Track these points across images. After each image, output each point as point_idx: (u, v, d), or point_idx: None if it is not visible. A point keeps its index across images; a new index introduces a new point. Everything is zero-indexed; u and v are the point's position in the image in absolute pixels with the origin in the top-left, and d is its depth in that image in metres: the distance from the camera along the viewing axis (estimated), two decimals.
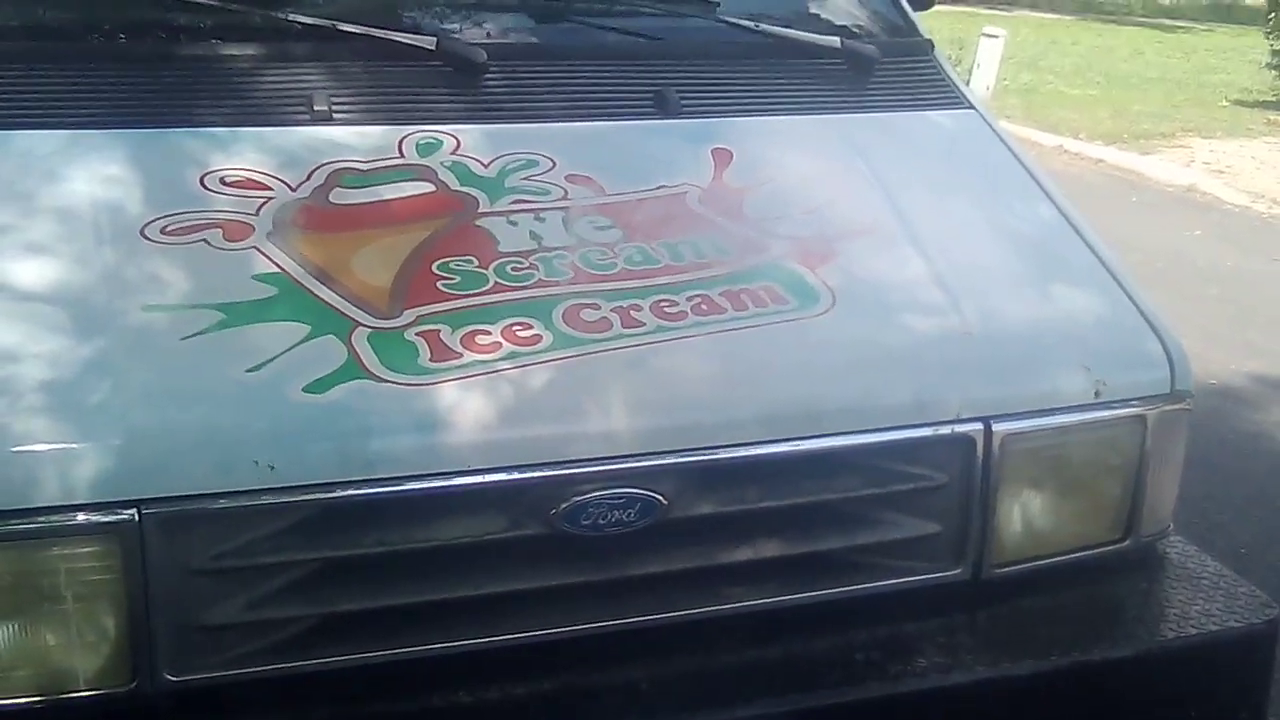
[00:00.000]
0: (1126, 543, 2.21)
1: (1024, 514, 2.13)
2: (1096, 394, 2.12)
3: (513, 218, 2.08)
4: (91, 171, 2.00)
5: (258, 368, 1.79)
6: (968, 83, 2.75)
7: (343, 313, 1.88)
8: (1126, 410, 2.14)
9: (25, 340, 1.77)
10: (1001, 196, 2.44)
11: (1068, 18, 26.13)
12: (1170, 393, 2.18)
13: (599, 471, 1.85)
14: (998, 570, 2.11)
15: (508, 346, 1.88)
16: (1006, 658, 2.01)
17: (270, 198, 2.02)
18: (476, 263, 1.99)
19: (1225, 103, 14.31)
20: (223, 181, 2.03)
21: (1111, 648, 2.08)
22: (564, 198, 2.14)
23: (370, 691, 1.81)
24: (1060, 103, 13.43)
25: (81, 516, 1.67)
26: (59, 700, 1.72)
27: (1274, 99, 14.10)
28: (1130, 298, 2.27)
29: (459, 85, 2.26)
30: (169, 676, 1.73)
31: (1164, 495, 2.25)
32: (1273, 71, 14.30)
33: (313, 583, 1.78)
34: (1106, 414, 2.13)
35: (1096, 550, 2.20)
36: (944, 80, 2.69)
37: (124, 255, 1.89)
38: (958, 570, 2.09)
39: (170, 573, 1.71)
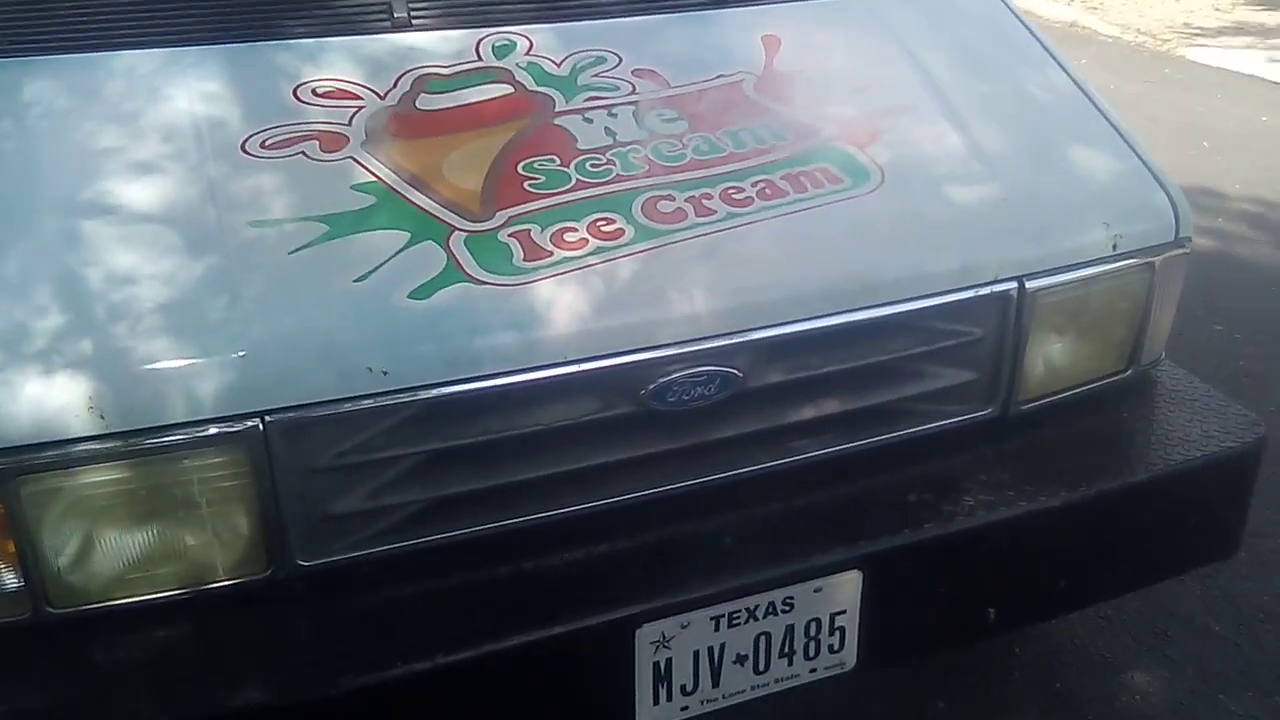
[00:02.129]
0: (1129, 372, 1.83)
1: (1046, 356, 1.75)
2: (1114, 247, 1.71)
3: (588, 115, 1.63)
4: (190, 88, 1.54)
5: (364, 277, 1.39)
6: None
7: (439, 218, 1.46)
8: (1138, 259, 1.74)
9: (141, 262, 1.36)
10: (1021, 68, 1.96)
11: None
12: (1174, 240, 1.77)
13: (682, 354, 1.46)
14: (1023, 407, 1.74)
15: (594, 242, 1.47)
16: (1043, 491, 1.63)
17: (361, 107, 1.57)
18: (558, 161, 1.56)
19: None
20: (314, 92, 1.57)
21: (1130, 474, 1.71)
22: (632, 92, 1.68)
23: (484, 559, 1.47)
24: None
25: (209, 429, 1.30)
26: (202, 590, 1.38)
27: None
28: (1139, 156, 1.84)
29: None
30: (301, 562, 1.39)
31: (1162, 328, 1.86)
32: None
33: (425, 470, 1.42)
34: (1122, 264, 1.73)
35: (1103, 381, 1.82)
36: None
37: (228, 171, 1.46)
38: (989, 410, 1.72)
39: (296, 472, 1.35)
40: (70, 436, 1.27)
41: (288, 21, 1.64)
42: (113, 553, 1.34)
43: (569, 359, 1.42)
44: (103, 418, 1.27)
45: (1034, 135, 1.81)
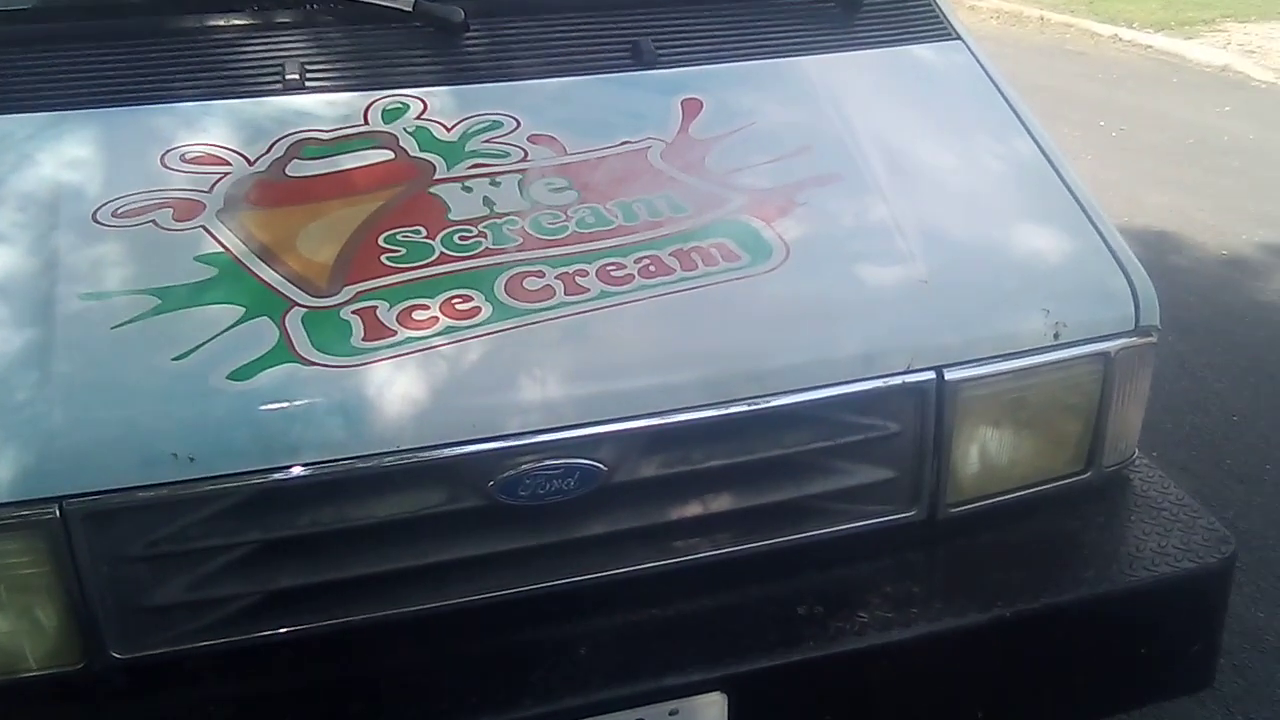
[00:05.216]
0: (1088, 474, 1.55)
1: (981, 454, 1.48)
2: (1056, 335, 1.45)
3: (468, 183, 1.44)
4: (62, 155, 1.41)
5: (184, 355, 1.23)
6: None
7: (280, 292, 1.29)
8: (1087, 349, 1.47)
9: None
10: (978, 133, 1.69)
11: None
12: (1135, 329, 1.49)
13: (533, 444, 1.26)
14: (954, 509, 1.48)
15: (444, 321, 1.29)
16: (950, 612, 1.37)
17: (226, 173, 1.41)
18: (425, 233, 1.38)
19: None
20: (183, 159, 1.43)
21: (1059, 593, 1.42)
22: (524, 159, 1.48)
23: (320, 657, 1.29)
24: None
25: (3, 514, 1.16)
26: (14, 679, 1.23)
27: None
28: (1101, 235, 1.55)
29: (438, 46, 1.59)
30: (116, 655, 1.23)
31: (1128, 426, 1.57)
32: None
33: (251, 562, 1.25)
34: (1065, 354, 1.46)
35: (1056, 483, 1.54)
36: (932, 11, 1.87)
37: (74, 241, 1.32)
38: (912, 512, 1.46)
39: (104, 560, 1.20)
40: None
41: (175, 85, 1.51)
42: None
43: (401, 447, 1.24)
44: None
45: (976, 210, 1.55)
